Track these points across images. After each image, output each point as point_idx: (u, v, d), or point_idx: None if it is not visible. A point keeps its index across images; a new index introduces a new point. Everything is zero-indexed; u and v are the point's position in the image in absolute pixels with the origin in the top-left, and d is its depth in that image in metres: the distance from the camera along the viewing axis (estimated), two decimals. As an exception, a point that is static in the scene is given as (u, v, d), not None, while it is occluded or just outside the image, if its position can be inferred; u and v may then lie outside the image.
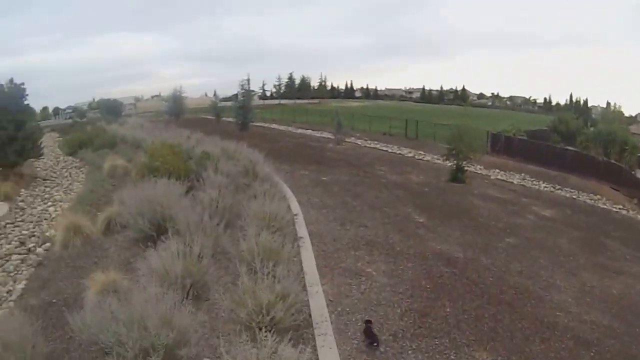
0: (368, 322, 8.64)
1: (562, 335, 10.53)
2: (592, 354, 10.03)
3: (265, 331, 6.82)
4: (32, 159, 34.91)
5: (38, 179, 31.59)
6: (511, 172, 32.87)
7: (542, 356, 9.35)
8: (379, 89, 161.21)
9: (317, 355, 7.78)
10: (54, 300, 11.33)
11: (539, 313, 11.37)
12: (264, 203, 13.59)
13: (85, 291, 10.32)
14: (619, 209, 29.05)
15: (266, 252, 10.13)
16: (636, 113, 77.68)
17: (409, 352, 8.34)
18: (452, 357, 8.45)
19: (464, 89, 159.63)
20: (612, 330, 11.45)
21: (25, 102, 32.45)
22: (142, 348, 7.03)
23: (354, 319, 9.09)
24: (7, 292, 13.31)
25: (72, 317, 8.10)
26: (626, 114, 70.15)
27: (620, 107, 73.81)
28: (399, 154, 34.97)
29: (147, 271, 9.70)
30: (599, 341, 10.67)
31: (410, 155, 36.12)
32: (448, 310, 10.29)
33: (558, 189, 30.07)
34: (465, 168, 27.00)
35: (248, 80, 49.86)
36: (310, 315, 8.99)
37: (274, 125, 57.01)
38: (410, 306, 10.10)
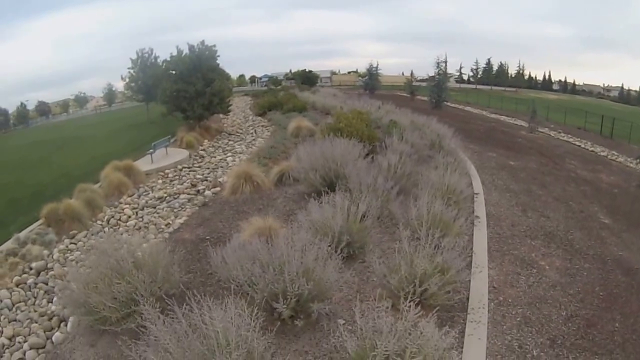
0: None
1: None
2: None
3: (411, 302, 6.32)
4: (220, 114, 39.76)
5: (224, 132, 36.40)
6: None
7: None
8: (577, 83, 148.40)
9: (463, 342, 7.51)
10: (207, 237, 12.43)
11: None
12: (444, 174, 13.82)
13: (239, 233, 11.02)
14: None
15: (435, 222, 10.05)
16: None
17: (570, 358, 7.81)
18: None
19: None
20: None
21: (217, 63, 36.78)
22: (272, 292, 7.31)
23: (514, 312, 8.81)
24: (166, 225, 15.04)
25: (216, 253, 8.63)
26: None
27: None
28: (592, 150, 33.39)
29: (307, 223, 10.24)
30: None
31: (603, 153, 33.81)
32: (617, 325, 9.43)
33: None
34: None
35: (445, 61, 49.27)
36: (467, 299, 8.86)
37: (467, 108, 57.45)
38: (577, 312, 9.48)
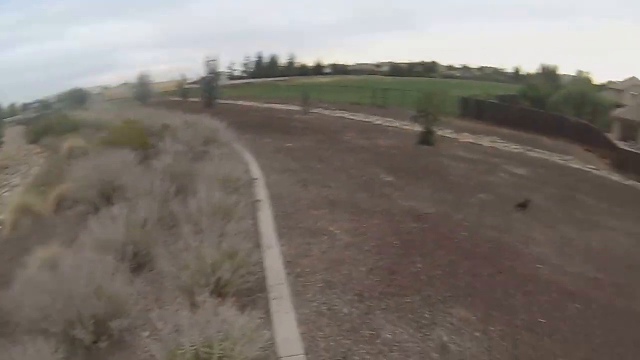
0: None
1: (545, 288, 11.03)
2: (577, 305, 10.60)
3: (210, 295, 6.73)
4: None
5: (-3, 169, 31.39)
6: (481, 135, 34.45)
7: (524, 310, 9.71)
8: (348, 64, 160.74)
9: (272, 320, 7.59)
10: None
11: (518, 266, 11.97)
12: (219, 165, 14.20)
13: (25, 269, 10.10)
14: (591, 168, 31.78)
15: (216, 212, 10.25)
16: (607, 80, 78.85)
17: (377, 312, 8.33)
18: (427, 315, 8.55)
19: (433, 61, 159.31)
20: (597, 281, 12.33)
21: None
22: (68, 320, 6.86)
23: (313, 280, 9.16)
24: None
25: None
26: (595, 82, 71.19)
27: (589, 73, 74.70)
28: (367, 121, 35.87)
29: (90, 241, 9.69)
30: (584, 292, 11.36)
31: (378, 122, 36.99)
32: (419, 266, 10.50)
33: (529, 150, 32.11)
34: (435, 131, 26.60)
35: (214, 59, 49.16)
36: (265, 278, 9.00)
37: (240, 102, 56.59)
38: (377, 264, 10.24)
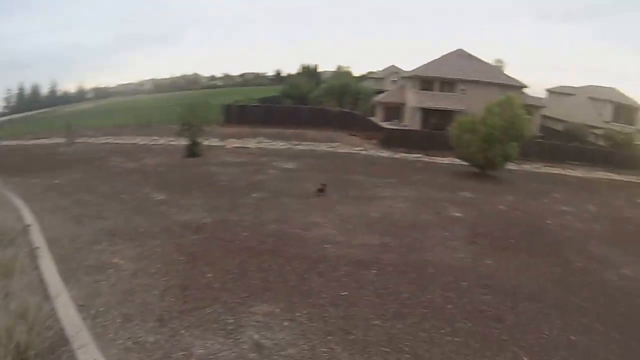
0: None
1: (337, 264, 12.04)
2: (374, 271, 11.85)
3: None
4: None
5: None
6: (247, 139, 36.25)
7: (323, 288, 10.47)
8: (111, 87, 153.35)
9: None
10: None
11: (306, 251, 12.90)
12: None
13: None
14: (359, 150, 34.21)
15: None
16: (367, 71, 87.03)
17: (182, 331, 8.26)
18: (230, 320, 8.75)
19: (195, 74, 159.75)
20: (385, 246, 13.92)
21: None
22: None
23: (110, 317, 8.64)
24: None
25: None
26: (356, 75, 78.16)
27: (349, 67, 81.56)
28: (133, 143, 34.04)
29: None
30: (376, 258, 12.72)
31: (144, 142, 35.48)
32: (209, 276, 10.76)
33: (296, 145, 33.84)
34: (201, 142, 26.91)
35: None
36: (63, 329, 8.15)
37: (3, 143, 50.30)
38: (168, 284, 10.17)
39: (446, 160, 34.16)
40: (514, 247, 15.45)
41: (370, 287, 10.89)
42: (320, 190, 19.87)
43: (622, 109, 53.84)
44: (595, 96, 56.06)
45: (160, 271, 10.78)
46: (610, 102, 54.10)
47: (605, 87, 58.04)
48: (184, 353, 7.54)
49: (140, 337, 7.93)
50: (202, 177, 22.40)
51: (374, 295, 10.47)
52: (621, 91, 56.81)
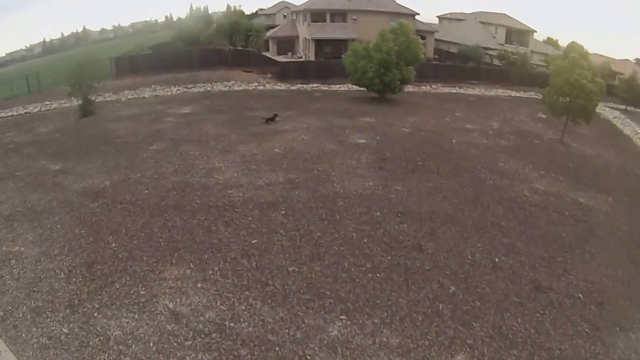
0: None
1: (244, 209, 11.72)
2: (283, 211, 11.61)
3: None
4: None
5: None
6: (141, 88, 33.76)
7: (234, 239, 10.16)
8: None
9: None
10: None
11: (210, 200, 12.44)
12: None
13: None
14: (255, 86, 34.31)
15: None
16: (256, 9, 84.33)
17: (95, 314, 7.79)
18: (142, 292, 8.37)
19: (84, 29, 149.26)
20: (292, 183, 13.59)
21: None
22: None
23: (20, 315, 7.93)
24: None
25: None
26: (246, 13, 75.57)
27: (240, 6, 79.05)
28: (25, 113, 30.95)
29: None
30: (284, 197, 12.49)
31: (37, 110, 32.25)
32: (114, 245, 10.12)
33: (191, 88, 32.49)
34: (93, 99, 24.93)
35: None
36: None
37: None
38: (72, 263, 9.45)
39: (344, 87, 33.95)
40: (423, 169, 15.67)
41: (281, 230, 10.69)
42: (270, 119, 20.65)
43: (514, 32, 55.66)
44: (486, 20, 57.51)
45: (63, 251, 9.98)
46: (502, 25, 55.80)
47: (495, 13, 59.59)
48: (100, 339, 7.17)
49: (54, 330, 7.47)
50: (98, 137, 20.68)
51: (286, 239, 10.31)
52: (512, 16, 58.27)
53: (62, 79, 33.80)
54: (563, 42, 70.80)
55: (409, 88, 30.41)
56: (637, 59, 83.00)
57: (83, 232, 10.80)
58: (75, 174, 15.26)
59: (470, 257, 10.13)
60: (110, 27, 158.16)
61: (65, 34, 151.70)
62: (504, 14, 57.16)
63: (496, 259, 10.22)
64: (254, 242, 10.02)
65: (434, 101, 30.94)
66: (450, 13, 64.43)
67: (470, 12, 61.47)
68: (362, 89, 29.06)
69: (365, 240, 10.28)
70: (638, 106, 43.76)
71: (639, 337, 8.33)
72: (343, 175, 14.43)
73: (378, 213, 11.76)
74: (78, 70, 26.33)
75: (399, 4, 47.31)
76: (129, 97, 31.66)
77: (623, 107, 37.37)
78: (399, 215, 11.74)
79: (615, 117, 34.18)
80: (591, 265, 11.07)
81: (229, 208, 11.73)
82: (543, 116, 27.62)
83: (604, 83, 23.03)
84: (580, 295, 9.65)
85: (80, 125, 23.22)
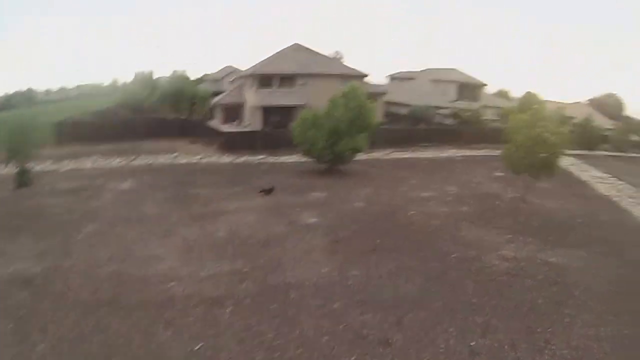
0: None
1: (186, 306, 10.59)
2: (230, 308, 10.54)
3: None
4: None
5: None
6: (82, 158, 31.91)
7: (175, 344, 9.01)
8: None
9: None
10: None
11: (149, 295, 11.18)
12: None
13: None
14: (200, 159, 33.06)
15: None
16: (202, 74, 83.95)
17: None
18: None
19: (29, 89, 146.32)
20: (239, 274, 12.46)
21: None
22: None
23: None
24: None
25: None
26: (192, 78, 74.91)
27: (185, 71, 78.49)
28: None
29: None
30: (231, 291, 11.35)
31: None
32: (42, 347, 8.81)
33: (134, 160, 31.62)
34: (30, 169, 23.34)
35: None
36: None
37: None
38: None
39: (292, 159, 32.78)
40: (382, 248, 14.82)
41: (229, 331, 9.57)
42: (267, 191, 20.86)
43: (465, 88, 56.32)
44: (437, 78, 58.16)
45: None
46: (453, 81, 56.52)
47: (446, 69, 60.61)
48: None
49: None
50: (31, 212, 19.23)
51: (235, 342, 9.17)
52: (462, 71, 59.63)
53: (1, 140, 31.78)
54: (515, 93, 73.25)
55: (359, 155, 29.24)
56: (589, 100, 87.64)
57: (10, 327, 9.60)
58: (4, 256, 13.91)
59: (443, 346, 9.21)
60: (55, 88, 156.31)
61: (10, 92, 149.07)
62: (454, 70, 58.40)
63: (472, 343, 9.38)
64: (197, 347, 8.84)
65: (387, 169, 30.44)
66: (400, 72, 65.48)
67: (422, 70, 62.16)
68: (311, 160, 28.08)
69: (325, 339, 9.21)
70: (592, 149, 45.03)
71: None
72: (295, 262, 13.45)
73: (337, 304, 10.76)
74: (15, 135, 24.68)
75: (348, 66, 47.41)
76: (69, 167, 30.10)
77: (577, 152, 37.89)
78: (361, 304, 10.78)
79: (571, 165, 34.55)
80: (572, 329, 10.66)
81: (169, 305, 10.61)
82: (500, 174, 27.51)
83: (568, 133, 22.84)
84: None
85: (15, 196, 21.66)
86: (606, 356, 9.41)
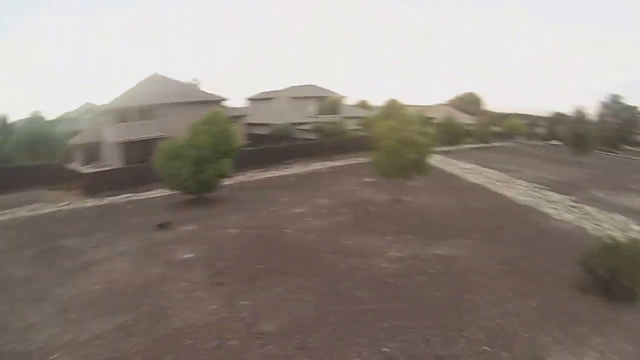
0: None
1: None
2: None
3: None
4: None
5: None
6: None
7: None
8: None
9: None
10: None
11: None
12: None
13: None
14: (63, 206, 29.95)
15: None
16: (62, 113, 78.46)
17: None
18: None
19: None
20: (123, 330, 11.08)
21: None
22: None
23: None
24: None
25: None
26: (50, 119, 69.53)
27: (39, 112, 72.35)
28: None
29: None
30: (119, 352, 10.01)
31: None
32: None
33: None
34: None
35: None
36: None
37: None
38: None
39: (158, 193, 30.95)
40: (266, 272, 14.24)
41: None
42: (163, 226, 20.22)
43: (325, 102, 58.18)
44: (296, 95, 59.53)
45: None
46: (313, 97, 58.06)
47: (305, 86, 62.23)
48: None
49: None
50: None
51: None
52: (320, 86, 61.69)
53: None
54: (374, 102, 76.05)
55: (226, 181, 28.40)
56: (449, 101, 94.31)
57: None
58: None
59: (357, 359, 8.93)
60: None
61: None
62: (314, 86, 60.26)
63: (385, 349, 9.23)
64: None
65: (255, 191, 29.91)
66: (260, 93, 65.53)
67: (281, 89, 62.82)
68: (178, 192, 26.77)
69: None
70: (457, 144, 48.32)
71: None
72: (180, 304, 12.35)
73: (234, 341, 9.96)
74: None
75: (206, 92, 46.56)
76: None
77: (443, 149, 40.06)
78: (259, 336, 10.10)
79: (439, 161, 36.64)
80: (479, 312, 11.07)
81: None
82: (370, 180, 28.22)
83: (434, 133, 23.83)
84: (487, 348, 9.42)
85: None
86: (520, 329, 9.95)
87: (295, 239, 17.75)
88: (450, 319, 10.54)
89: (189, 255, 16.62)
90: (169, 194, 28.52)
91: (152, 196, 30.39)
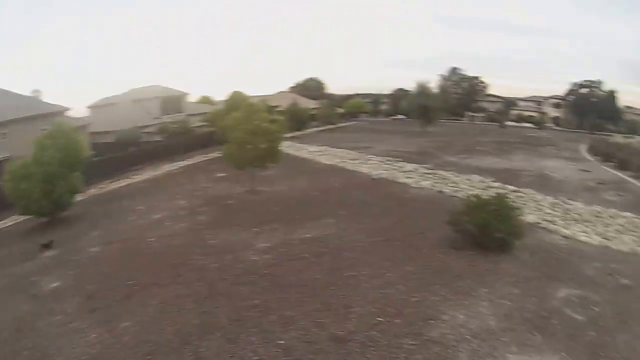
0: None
1: None
2: None
3: None
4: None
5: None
6: None
7: None
8: None
9: None
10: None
11: None
12: None
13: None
14: None
15: None
16: None
17: None
18: None
19: None
20: None
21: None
22: None
23: None
24: None
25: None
26: None
27: None
28: None
29: None
30: None
31: None
32: None
33: None
34: None
35: None
36: None
37: None
38: None
39: (9, 222, 26.35)
40: (139, 288, 13.52)
41: None
42: (46, 246, 18.87)
43: (168, 102, 56.35)
44: (140, 97, 56.89)
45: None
46: (156, 97, 55.87)
47: (147, 87, 59.64)
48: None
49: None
50: None
51: None
52: (164, 85, 59.79)
53: None
54: (216, 97, 74.61)
55: (78, 196, 26.03)
56: (291, 87, 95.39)
57: None
58: None
59: (256, 358, 8.96)
60: None
61: None
62: (157, 86, 58.14)
63: (280, 341, 9.37)
64: None
65: (109, 202, 27.85)
66: (102, 99, 61.73)
67: (122, 93, 59.93)
68: (31, 216, 23.81)
69: None
70: (303, 129, 48.69)
71: None
72: (59, 340, 11.11)
73: None
74: None
75: (48, 103, 43.31)
76: None
77: (290, 135, 40.19)
78: (149, 358, 9.60)
79: (288, 147, 37.03)
80: (361, 286, 11.54)
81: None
82: (223, 174, 28.41)
83: (284, 120, 23.83)
84: (381, 319, 9.87)
85: None
86: (407, 295, 10.64)
87: (161, 247, 17.16)
88: (336, 298, 10.98)
89: (56, 284, 15.11)
90: (21, 220, 25.23)
91: (2, 226, 27.08)
